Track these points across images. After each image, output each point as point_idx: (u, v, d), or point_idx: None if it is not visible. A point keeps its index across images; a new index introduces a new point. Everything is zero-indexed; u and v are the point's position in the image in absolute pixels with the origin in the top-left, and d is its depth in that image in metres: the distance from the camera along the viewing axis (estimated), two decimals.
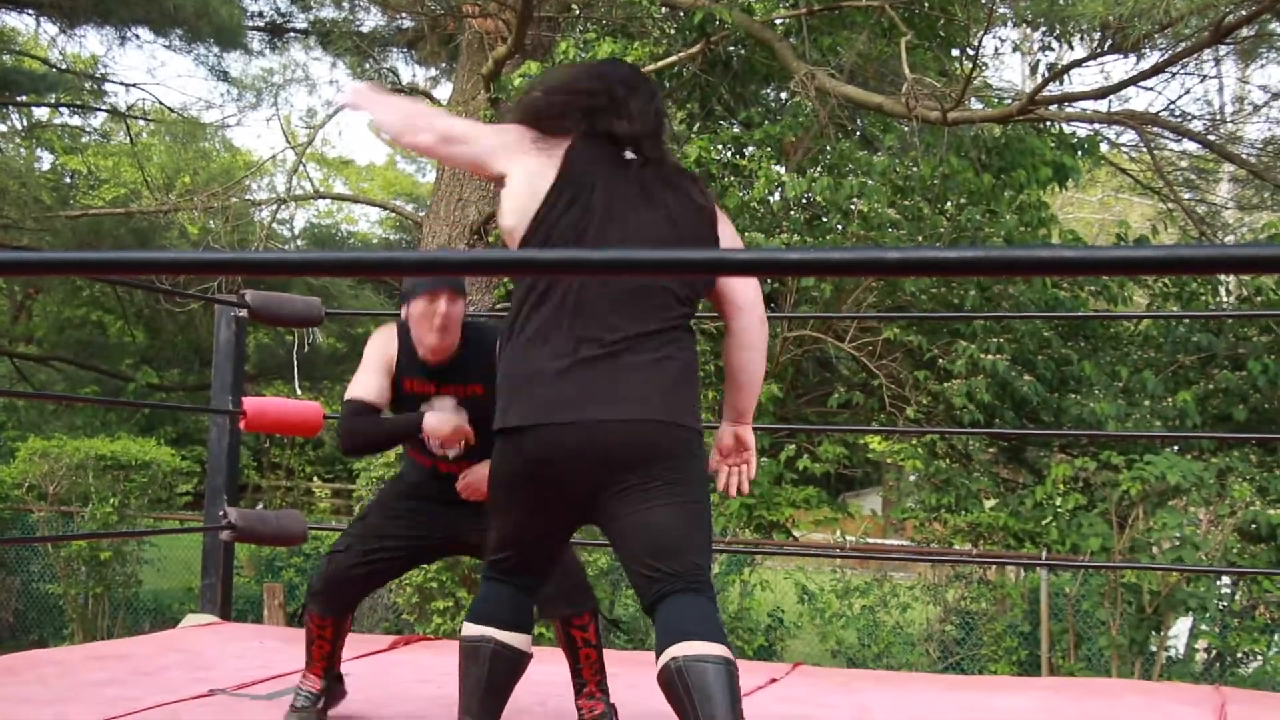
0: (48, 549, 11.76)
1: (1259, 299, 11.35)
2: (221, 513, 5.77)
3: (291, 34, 19.12)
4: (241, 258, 1.33)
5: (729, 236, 3.36)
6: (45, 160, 22.76)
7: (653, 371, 3.10)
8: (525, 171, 3.16)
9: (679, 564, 3.06)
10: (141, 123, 20.18)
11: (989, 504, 10.72)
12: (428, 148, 3.23)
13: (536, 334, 3.14)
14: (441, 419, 3.88)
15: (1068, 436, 11.04)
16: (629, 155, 3.24)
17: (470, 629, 3.32)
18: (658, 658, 2.97)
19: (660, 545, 3.05)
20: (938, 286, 11.62)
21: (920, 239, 11.44)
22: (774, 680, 4.91)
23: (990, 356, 10.72)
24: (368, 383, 4.03)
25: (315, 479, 22.69)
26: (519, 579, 3.35)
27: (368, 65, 19.39)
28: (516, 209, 3.16)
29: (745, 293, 3.30)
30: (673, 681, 2.92)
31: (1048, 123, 12.21)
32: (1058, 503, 9.93)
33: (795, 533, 12.14)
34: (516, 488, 3.20)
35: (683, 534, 3.08)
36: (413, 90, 19.15)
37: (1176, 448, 10.40)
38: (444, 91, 19.83)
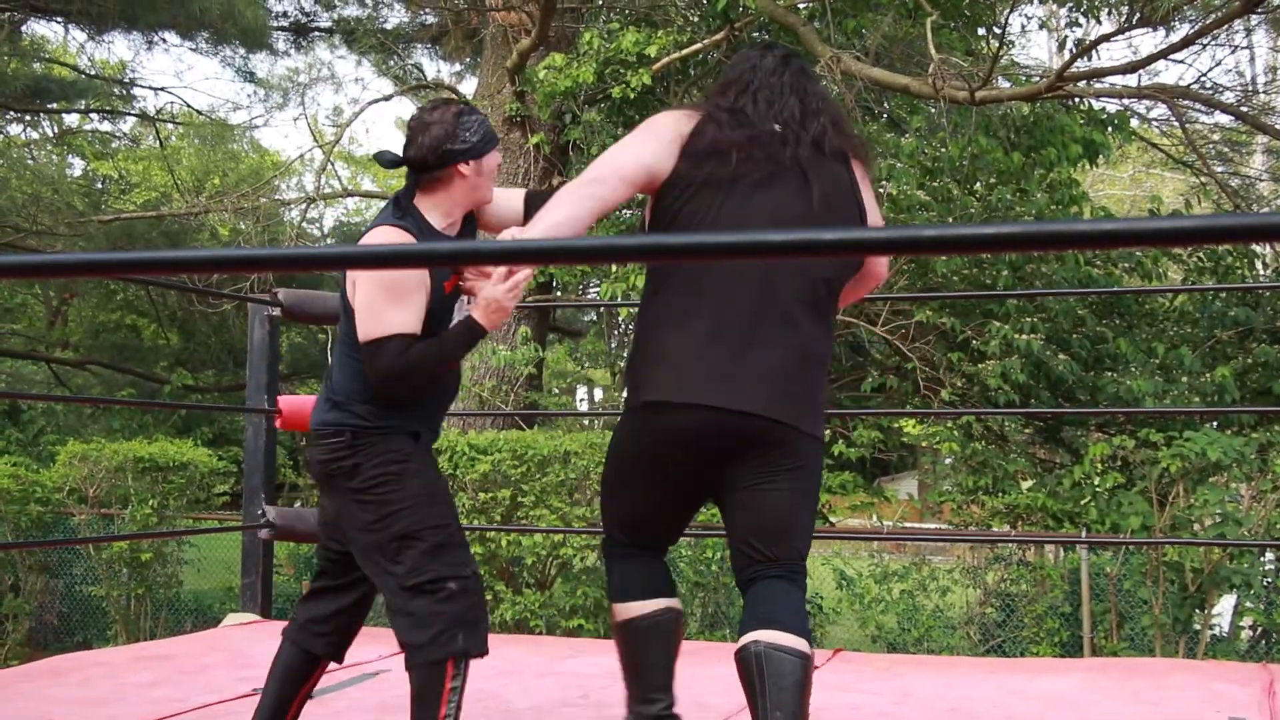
0: (89, 551, 11.83)
1: None
2: (260, 511, 5.79)
3: (316, 33, 19.17)
4: (278, 253, 1.32)
5: (873, 212, 3.44)
6: (77, 166, 22.91)
7: (783, 363, 3.14)
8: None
9: (780, 549, 3.14)
10: (170, 126, 20.28)
11: (1026, 485, 10.67)
12: (589, 218, 3.23)
13: (674, 312, 3.19)
14: (494, 294, 3.33)
15: (1105, 415, 10.98)
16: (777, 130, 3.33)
17: (642, 606, 3.34)
18: (741, 635, 3.04)
19: (766, 527, 3.14)
20: (969, 267, 11.56)
21: (951, 220, 11.39)
22: (816, 668, 4.89)
23: (1024, 336, 10.66)
24: (406, 314, 3.26)
25: None
26: (652, 549, 3.43)
27: (392, 62, 19.42)
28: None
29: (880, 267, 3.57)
30: (750, 665, 2.98)
31: (1077, 99, 12.13)
32: (1096, 482, 9.86)
33: (832, 519, 12.11)
34: (644, 463, 3.29)
35: (789, 520, 3.16)
36: (438, 85, 19.18)
37: (1216, 423, 10.32)
38: (469, 86, 19.87)
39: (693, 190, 3.21)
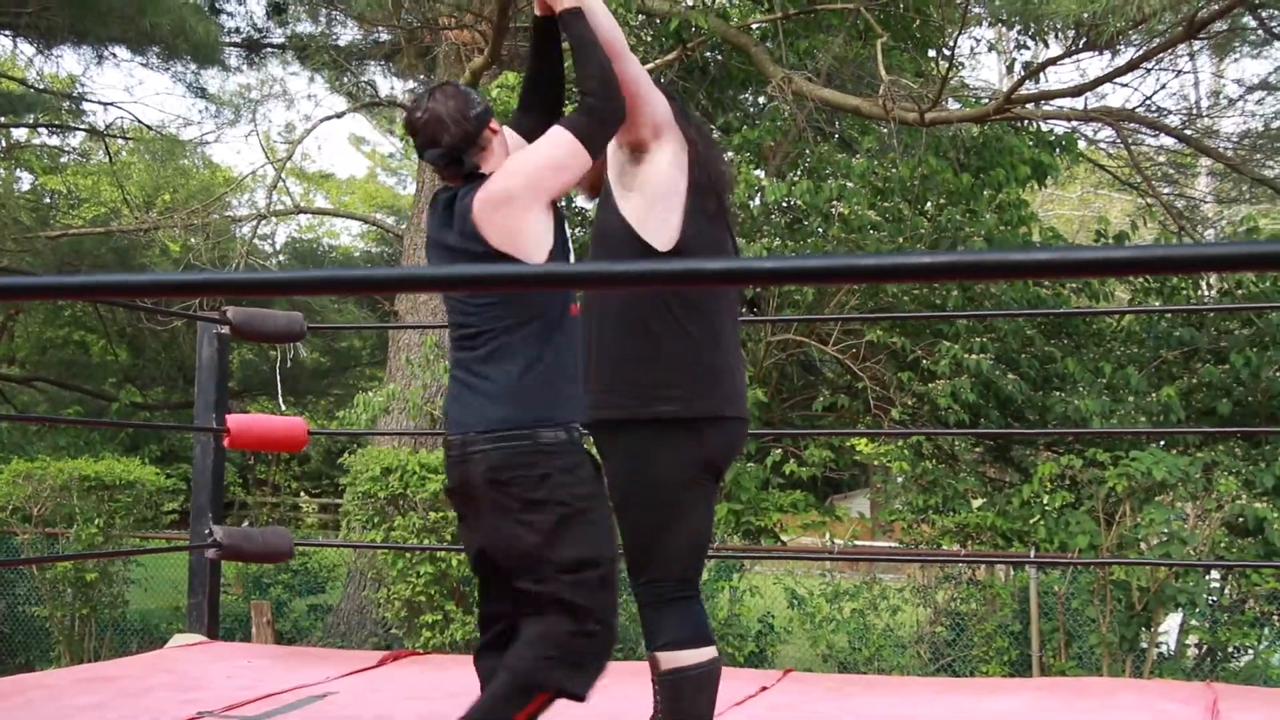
0: (33, 571, 11.68)
1: (1240, 292, 11.36)
2: (207, 531, 5.74)
3: (269, 49, 19.08)
4: (221, 279, 1.32)
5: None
6: (24, 181, 22.68)
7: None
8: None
9: None
10: (120, 141, 20.11)
11: (976, 504, 10.71)
12: (632, 78, 3.36)
13: (708, 329, 3.38)
14: None
15: (1053, 434, 11.04)
16: None
17: (705, 653, 3.36)
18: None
19: None
20: (920, 288, 11.61)
21: (901, 240, 11.44)
22: (765, 688, 4.89)
23: (974, 356, 10.70)
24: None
25: (302, 495, 22.63)
26: (696, 584, 3.50)
27: (345, 79, 19.36)
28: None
29: None
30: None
31: (1025, 121, 12.23)
32: (1045, 501, 9.91)
33: (783, 537, 12.12)
34: (706, 481, 3.41)
35: None
36: (391, 103, 19.14)
37: (1162, 443, 10.40)
38: None
39: (705, 219, 3.43)
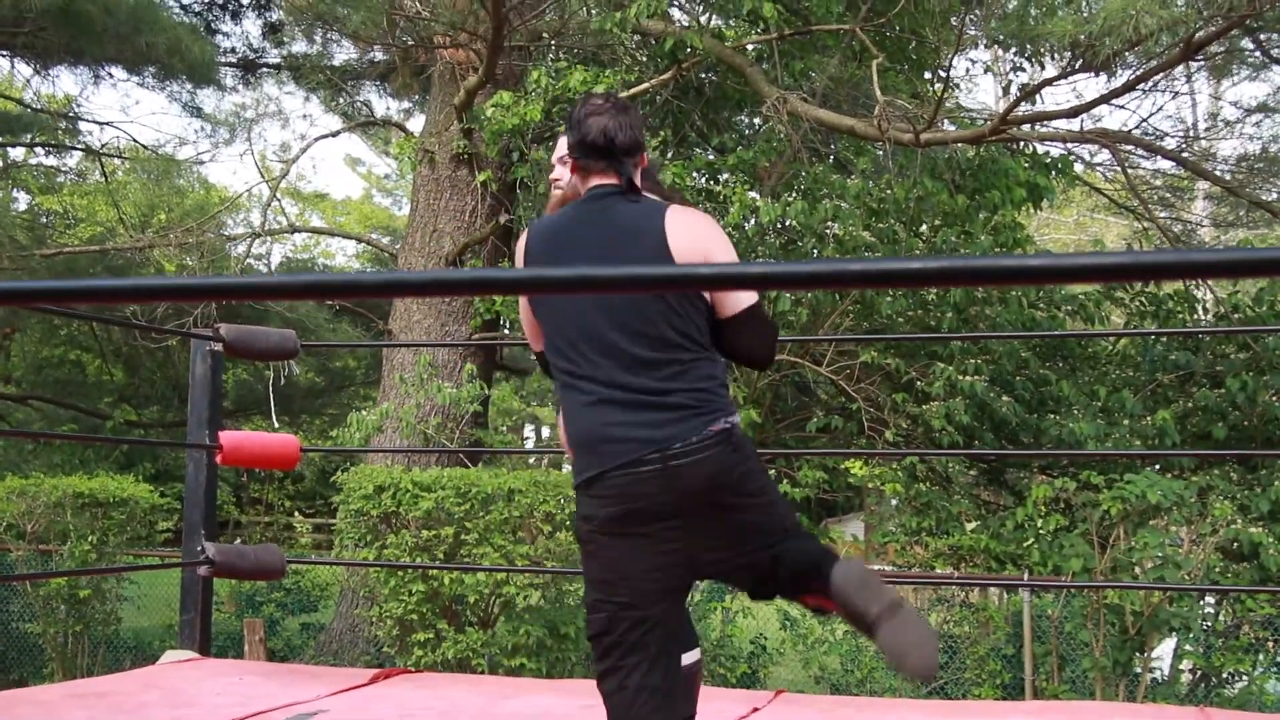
0: (26, 588, 11.65)
1: (1236, 316, 11.36)
2: (199, 548, 5.73)
3: (264, 69, 19.10)
4: (212, 283, 1.31)
5: None
6: (21, 201, 22.69)
7: None
8: None
9: None
10: (116, 161, 20.13)
11: (970, 526, 10.70)
12: None
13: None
14: None
15: (1047, 457, 11.03)
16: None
17: (689, 656, 3.48)
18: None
19: None
20: (914, 309, 11.61)
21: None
22: (756, 709, 4.87)
23: (968, 378, 10.71)
24: None
25: (296, 514, 22.57)
26: None
27: (340, 98, 19.38)
28: None
29: None
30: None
31: (1021, 143, 12.23)
32: (1039, 524, 9.89)
33: None
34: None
35: None
36: (386, 122, 19.16)
37: (1157, 466, 10.39)
38: (417, 123, 19.82)
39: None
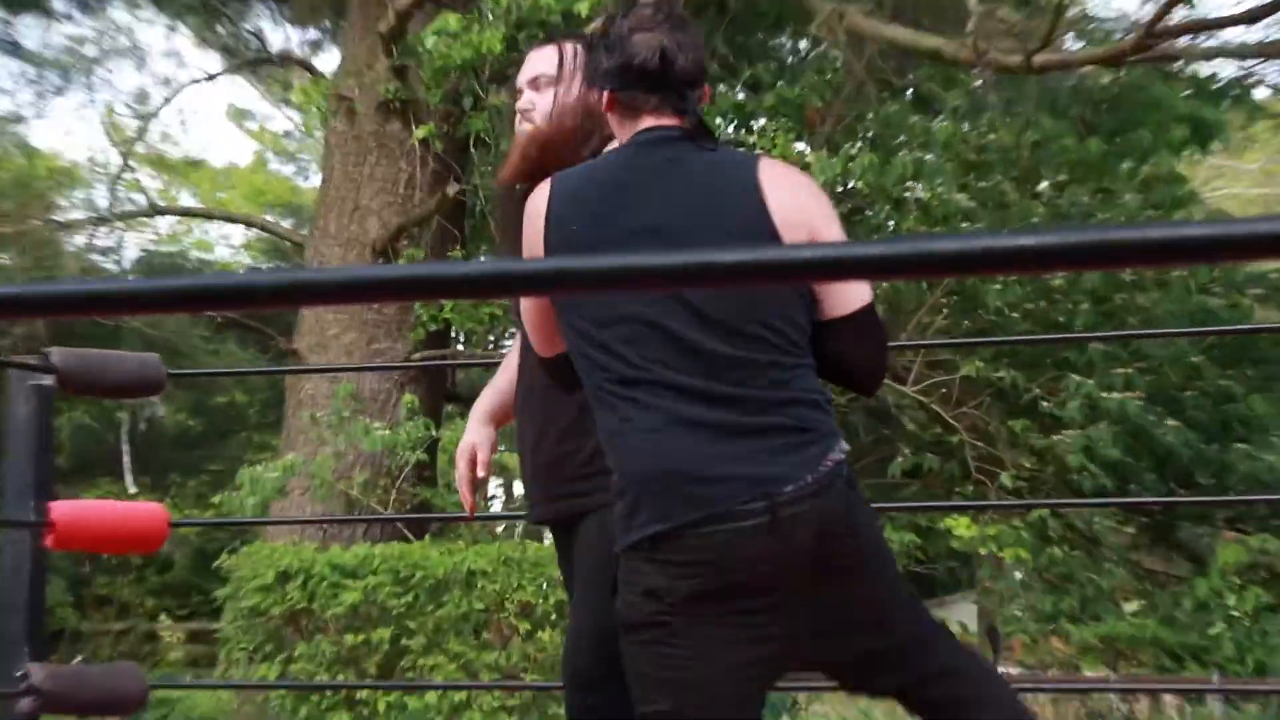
0: None
1: None
2: (19, 672, 5.56)
3: None
4: (36, 292, 1.31)
5: None
6: None
7: None
8: None
9: None
10: None
11: (1130, 608, 10.64)
12: None
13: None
14: None
15: (1237, 504, 10.97)
16: None
17: None
18: None
19: None
20: (1035, 299, 11.54)
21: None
22: None
23: (1116, 395, 10.62)
24: None
25: (162, 616, 22.51)
26: None
27: (219, 28, 19.36)
28: None
29: None
30: None
31: (1178, 62, 12.16)
32: (1230, 601, 9.81)
33: None
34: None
35: None
36: (285, 60, 19.12)
37: None
38: (329, 60, 19.75)
39: None
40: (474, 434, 4.09)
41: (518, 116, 3.91)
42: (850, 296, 3.30)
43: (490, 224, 12.54)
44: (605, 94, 3.39)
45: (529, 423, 3.81)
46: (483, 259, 11.23)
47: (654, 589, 3.12)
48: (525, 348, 3.80)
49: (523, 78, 3.91)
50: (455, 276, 1.24)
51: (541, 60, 3.90)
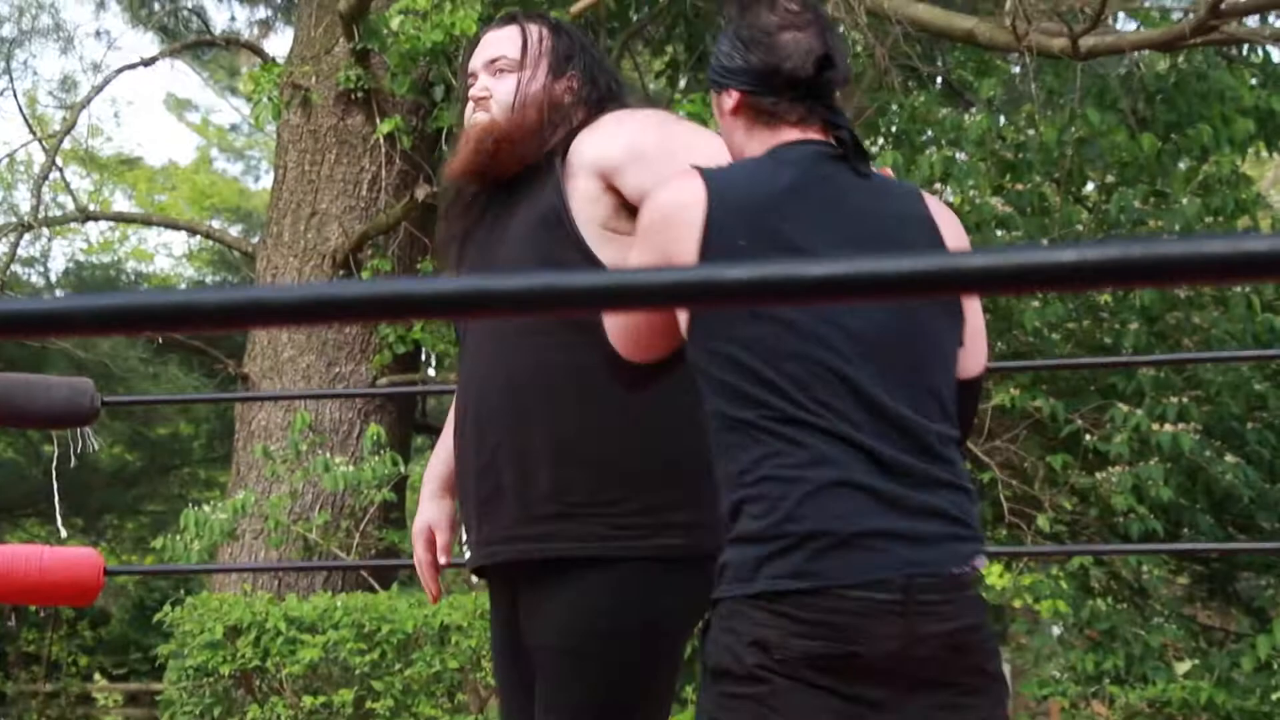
0: None
1: None
2: None
3: None
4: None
5: None
6: None
7: None
8: None
9: None
10: None
11: (1182, 668, 10.65)
12: None
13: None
14: None
15: None
16: None
17: None
18: None
19: None
20: (1077, 318, 11.59)
21: (1046, 243, 11.43)
22: None
23: (1169, 428, 10.68)
24: None
25: (97, 676, 22.46)
26: None
27: (156, 7, 19.39)
28: None
29: None
30: None
31: (1244, 46, 12.24)
32: None
33: None
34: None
35: None
36: (230, 43, 19.17)
37: None
38: (281, 43, 19.89)
39: None
40: (429, 512, 4.10)
41: (469, 104, 3.95)
42: (981, 359, 3.41)
43: None
44: (731, 95, 3.38)
45: (480, 446, 3.75)
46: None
47: (764, 641, 3.13)
48: (470, 358, 3.85)
49: (477, 60, 3.95)
50: (475, 292, 1.31)
51: (501, 42, 3.93)
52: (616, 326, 3.43)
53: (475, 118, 3.86)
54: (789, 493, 3.12)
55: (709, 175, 3.29)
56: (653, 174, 3.60)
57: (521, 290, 1.29)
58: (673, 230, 3.25)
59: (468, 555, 3.99)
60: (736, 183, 3.30)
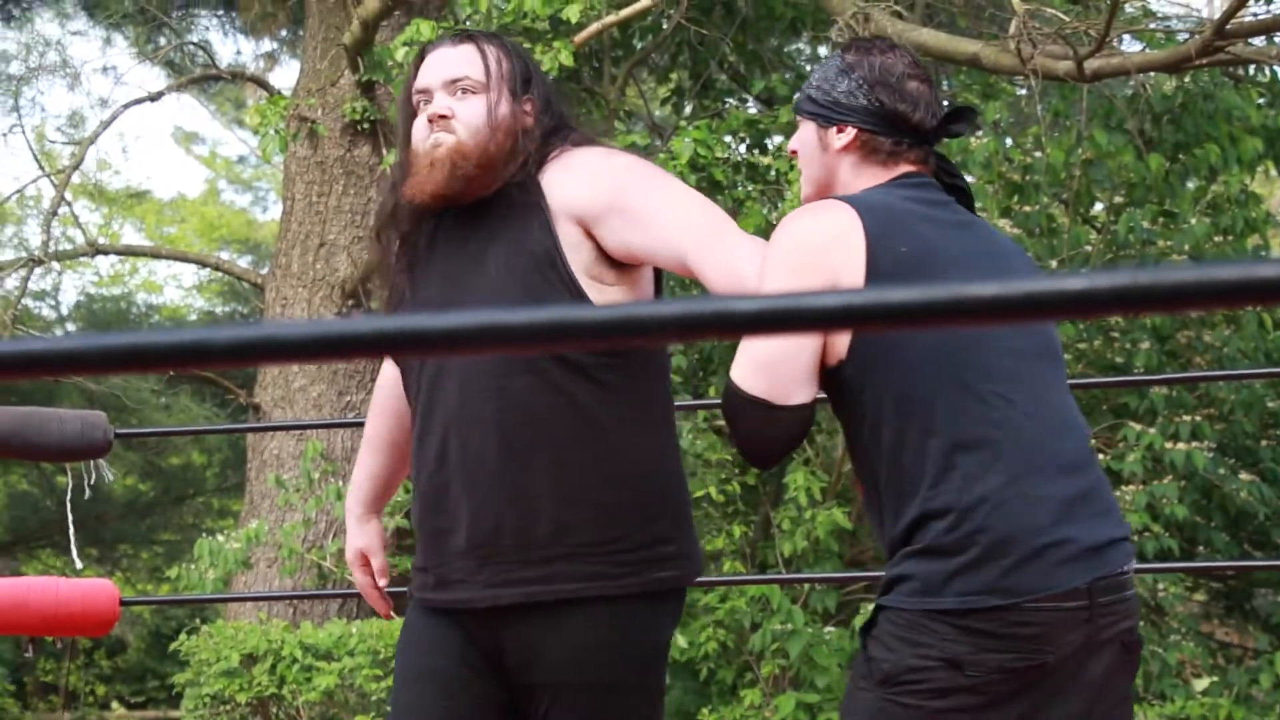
0: None
1: None
2: None
3: None
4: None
5: None
6: None
7: None
8: None
9: None
10: None
11: (1199, 685, 10.60)
12: None
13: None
14: None
15: None
16: None
17: None
18: None
19: None
20: (1088, 337, 11.56)
21: (1055, 263, 11.40)
22: None
23: (1181, 446, 10.65)
24: None
25: (115, 705, 22.46)
26: None
27: (162, 40, 19.38)
28: None
29: None
30: None
31: (1251, 66, 12.20)
32: None
33: None
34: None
35: None
36: (237, 76, 19.16)
37: None
38: (287, 76, 19.85)
39: None
40: (360, 538, 4.12)
41: (419, 122, 3.81)
42: None
43: None
44: (846, 131, 3.50)
45: (471, 486, 3.69)
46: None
47: (956, 659, 3.18)
48: (443, 394, 3.74)
49: (433, 77, 3.82)
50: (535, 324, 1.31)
51: (460, 61, 3.82)
52: (773, 367, 3.37)
53: (437, 137, 3.73)
54: (977, 504, 3.19)
55: (849, 199, 3.40)
56: (638, 229, 3.66)
57: (677, 314, 1.29)
58: (838, 252, 3.33)
59: (421, 586, 3.87)
60: (875, 203, 3.40)
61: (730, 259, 3.56)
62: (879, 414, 3.28)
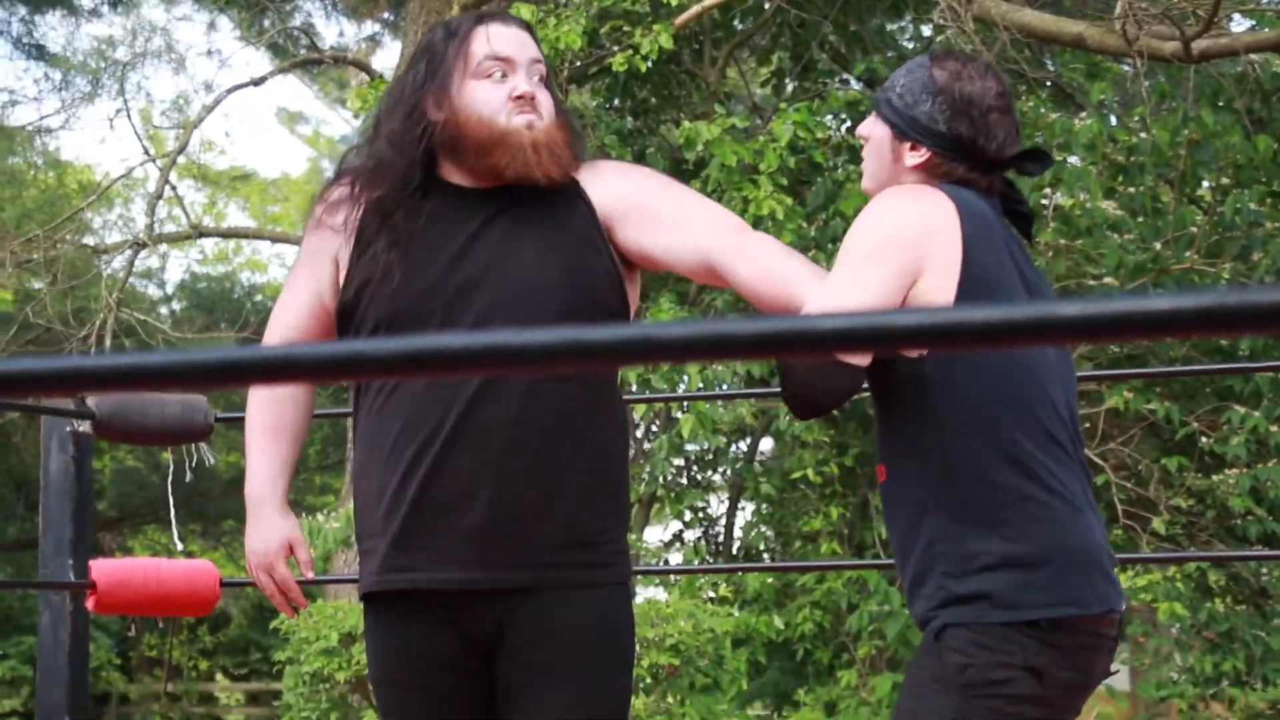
0: None
1: None
2: None
3: None
4: (39, 368, 1.30)
5: None
6: None
7: None
8: None
9: None
10: None
11: None
12: None
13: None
14: None
15: None
16: None
17: None
18: None
19: None
20: None
21: (1159, 246, 11.32)
22: None
23: None
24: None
25: (218, 677, 22.58)
26: None
27: (266, 24, 19.44)
28: None
29: None
30: None
31: None
32: None
33: None
34: None
35: None
36: (339, 60, 19.20)
37: None
38: (388, 57, 19.91)
39: None
40: (279, 530, 3.91)
41: (495, 92, 3.65)
42: None
43: None
44: (920, 152, 3.49)
45: (478, 475, 3.61)
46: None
47: (1039, 669, 3.24)
48: (441, 385, 3.66)
49: (520, 52, 3.70)
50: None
51: (534, 47, 3.75)
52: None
53: (531, 120, 3.61)
54: (1046, 518, 3.25)
55: (948, 191, 3.41)
56: (661, 228, 3.71)
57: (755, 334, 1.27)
58: (941, 237, 3.34)
59: (396, 568, 3.71)
60: (973, 206, 3.41)
61: (761, 254, 3.62)
62: (948, 420, 3.30)
